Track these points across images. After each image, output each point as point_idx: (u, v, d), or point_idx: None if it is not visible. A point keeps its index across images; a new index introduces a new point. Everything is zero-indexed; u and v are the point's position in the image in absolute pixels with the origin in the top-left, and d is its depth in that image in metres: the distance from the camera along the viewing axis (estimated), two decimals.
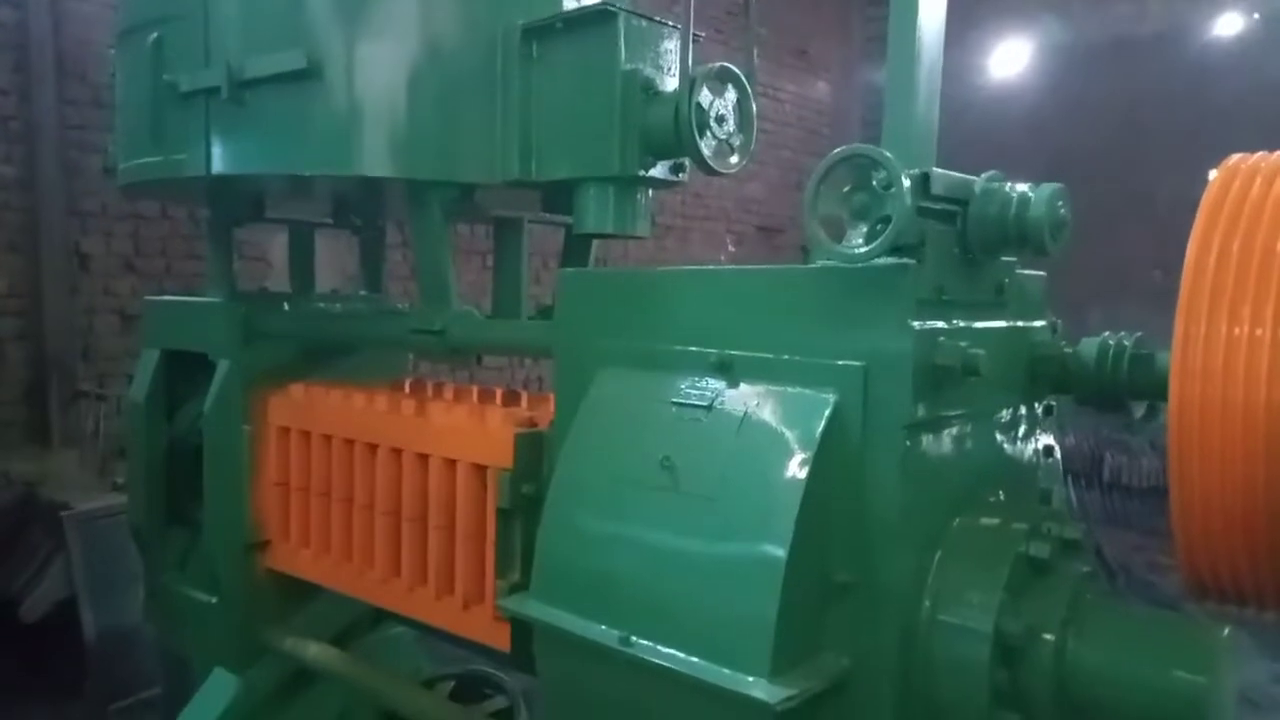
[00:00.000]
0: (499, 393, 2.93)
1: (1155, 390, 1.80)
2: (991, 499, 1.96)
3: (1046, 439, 2.18)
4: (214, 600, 3.13)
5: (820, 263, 1.83)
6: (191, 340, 3.17)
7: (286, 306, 3.31)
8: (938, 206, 1.77)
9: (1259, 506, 1.53)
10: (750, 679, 1.61)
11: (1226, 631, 1.63)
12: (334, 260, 4.98)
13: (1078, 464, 8.81)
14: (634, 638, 1.75)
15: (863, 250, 1.66)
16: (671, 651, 1.71)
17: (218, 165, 2.54)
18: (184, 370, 3.23)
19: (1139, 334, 1.95)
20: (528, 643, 2.04)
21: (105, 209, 6.16)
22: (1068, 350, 2.03)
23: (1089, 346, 1.97)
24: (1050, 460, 2.20)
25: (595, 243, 2.88)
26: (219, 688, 3.16)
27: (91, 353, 6.15)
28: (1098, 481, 8.88)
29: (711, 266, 2.07)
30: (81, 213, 6.09)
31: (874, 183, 1.70)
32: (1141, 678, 1.64)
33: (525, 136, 2.46)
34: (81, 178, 6.01)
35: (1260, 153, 1.73)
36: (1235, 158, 1.73)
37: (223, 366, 3.02)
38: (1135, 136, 9.70)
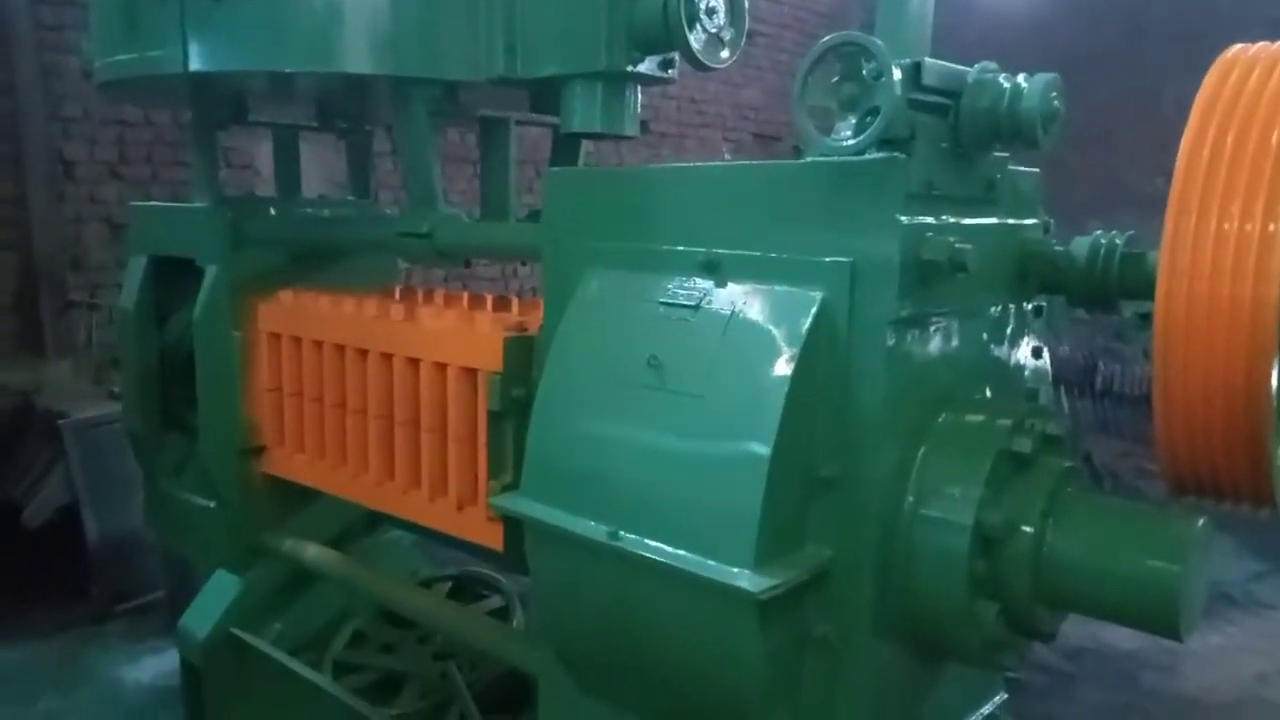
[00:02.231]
0: (489, 299, 2.92)
1: (1145, 289, 1.79)
2: (977, 396, 1.97)
3: (1035, 339, 2.18)
4: (212, 505, 3.18)
5: (809, 158, 1.80)
6: (179, 246, 3.14)
7: (273, 211, 3.27)
8: (929, 99, 1.73)
9: (1239, 401, 1.54)
10: (735, 570, 1.64)
11: (1201, 523, 1.66)
12: (321, 166, 4.90)
13: (1071, 373, 8.85)
14: (622, 532, 1.79)
15: (850, 142, 1.63)
16: (659, 545, 1.74)
17: (195, 63, 2.46)
18: (174, 278, 3.21)
19: (1130, 233, 1.93)
20: (521, 543, 2.08)
21: (87, 114, 6.01)
22: (1058, 249, 2.01)
23: (1080, 245, 1.95)
24: (1039, 361, 2.21)
25: (587, 149, 2.82)
26: (221, 589, 3.24)
27: (82, 262, 6.09)
28: (1090, 390, 8.94)
29: (700, 164, 2.04)
30: (63, 118, 5.95)
31: (864, 73, 1.66)
32: (1116, 567, 1.68)
33: (510, 31, 2.39)
34: (61, 80, 5.85)
35: (1261, 43, 1.68)
36: (1235, 48, 1.68)
37: (211, 272, 3.00)
38: (1141, 39, 9.45)
